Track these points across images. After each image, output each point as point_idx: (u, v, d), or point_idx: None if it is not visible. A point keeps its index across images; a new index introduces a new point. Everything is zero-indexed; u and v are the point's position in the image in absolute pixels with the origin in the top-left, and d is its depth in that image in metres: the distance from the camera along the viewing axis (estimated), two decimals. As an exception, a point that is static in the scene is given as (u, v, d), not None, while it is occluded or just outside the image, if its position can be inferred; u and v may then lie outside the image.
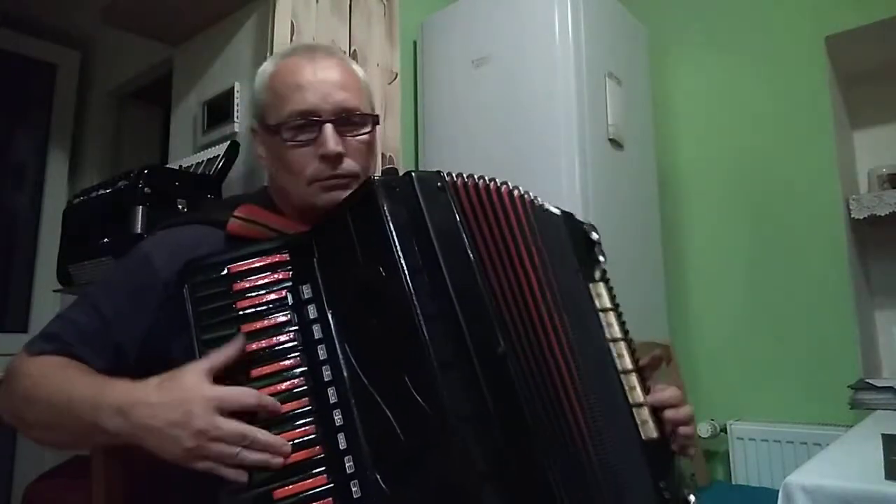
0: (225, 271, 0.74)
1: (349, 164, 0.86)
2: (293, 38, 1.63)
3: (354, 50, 1.81)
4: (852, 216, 2.07)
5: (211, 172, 1.65)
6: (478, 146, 1.97)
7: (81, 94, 2.70)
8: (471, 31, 2.04)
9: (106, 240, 1.52)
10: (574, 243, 0.87)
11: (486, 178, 0.80)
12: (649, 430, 0.79)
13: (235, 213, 0.86)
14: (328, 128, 0.84)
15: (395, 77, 1.94)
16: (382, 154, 1.85)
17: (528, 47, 1.90)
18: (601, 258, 0.89)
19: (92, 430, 0.71)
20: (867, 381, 1.82)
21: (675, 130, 2.45)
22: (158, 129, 2.67)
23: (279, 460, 0.66)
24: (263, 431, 0.66)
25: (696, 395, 2.20)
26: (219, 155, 1.68)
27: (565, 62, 1.83)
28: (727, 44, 2.36)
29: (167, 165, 1.91)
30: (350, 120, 0.86)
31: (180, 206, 1.52)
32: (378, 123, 0.90)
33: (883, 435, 1.06)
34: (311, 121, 0.84)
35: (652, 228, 2.18)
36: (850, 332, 2.02)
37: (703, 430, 2.10)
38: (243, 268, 0.75)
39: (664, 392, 0.83)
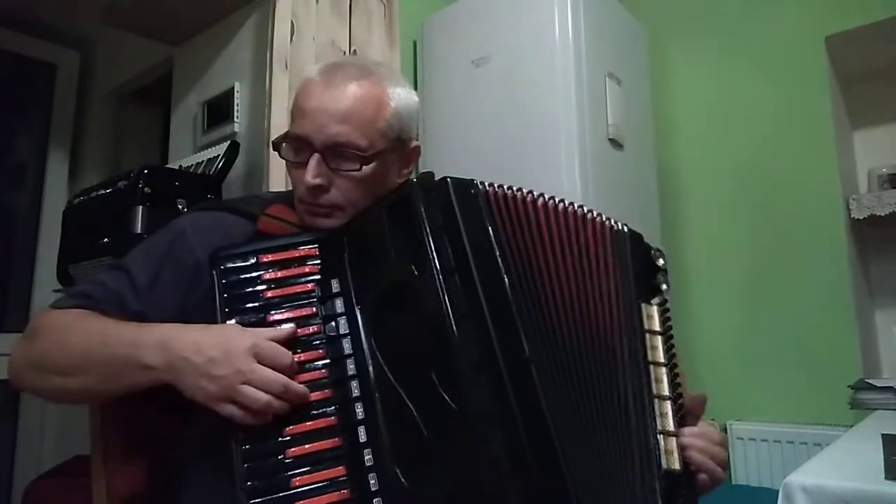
0: (254, 260, 0.76)
1: (332, 195, 0.84)
2: (293, 38, 1.63)
3: (354, 50, 1.81)
4: (852, 216, 2.07)
5: (211, 172, 1.65)
6: (478, 146, 1.97)
7: (81, 94, 2.69)
8: (471, 31, 2.04)
9: (106, 240, 1.52)
10: (635, 263, 0.85)
11: (523, 189, 0.78)
12: (673, 461, 0.75)
13: (267, 212, 0.88)
14: (314, 158, 0.83)
15: (395, 77, 1.94)
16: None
17: (528, 47, 1.90)
18: (664, 286, 0.86)
19: (128, 367, 0.73)
20: (867, 381, 1.82)
21: (675, 130, 2.45)
22: (158, 129, 2.67)
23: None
24: (294, 383, 0.70)
25: (696, 395, 2.19)
26: (219, 155, 1.68)
27: (565, 62, 1.83)
28: (727, 44, 2.36)
29: (167, 165, 1.91)
30: (340, 154, 0.84)
31: (180, 206, 1.52)
32: (370, 162, 0.84)
33: (883, 435, 1.06)
34: (303, 146, 0.85)
35: (652, 228, 2.17)
36: (850, 332, 2.01)
37: (703, 430, 2.10)
38: (273, 258, 0.77)
39: (698, 428, 0.81)
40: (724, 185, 2.32)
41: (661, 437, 0.76)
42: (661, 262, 0.88)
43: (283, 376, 0.69)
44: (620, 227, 0.85)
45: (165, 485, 0.85)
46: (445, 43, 2.11)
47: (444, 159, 2.06)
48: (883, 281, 2.25)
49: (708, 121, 2.38)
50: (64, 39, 2.66)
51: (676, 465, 0.75)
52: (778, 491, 1.02)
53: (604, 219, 0.84)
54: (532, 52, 1.89)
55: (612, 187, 1.91)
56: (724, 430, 2.12)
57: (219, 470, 0.68)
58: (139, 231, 1.44)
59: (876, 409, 1.73)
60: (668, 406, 0.78)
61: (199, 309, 0.79)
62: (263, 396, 0.68)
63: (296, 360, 0.72)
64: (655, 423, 0.76)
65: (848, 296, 2.03)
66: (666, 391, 0.79)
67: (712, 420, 2.14)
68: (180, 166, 1.79)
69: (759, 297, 2.21)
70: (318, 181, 0.83)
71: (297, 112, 0.86)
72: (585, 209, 0.83)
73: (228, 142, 1.70)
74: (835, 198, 2.10)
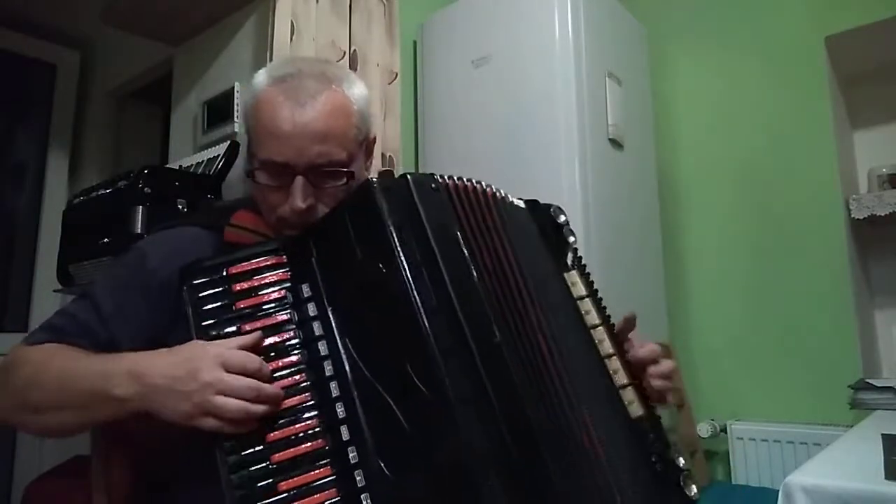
0: (224, 273, 0.76)
1: (319, 211, 0.84)
2: (293, 38, 1.63)
3: (354, 50, 1.81)
4: (852, 216, 2.07)
5: (211, 172, 1.66)
6: (478, 146, 1.97)
7: (81, 94, 2.69)
8: (471, 31, 2.04)
9: (106, 240, 1.53)
10: (542, 233, 0.89)
11: (473, 180, 0.82)
12: (636, 409, 0.82)
13: (232, 222, 0.88)
14: (299, 182, 0.83)
15: (395, 77, 1.94)
16: (383, 154, 1.85)
17: (528, 47, 1.90)
18: (571, 239, 0.90)
19: (101, 401, 0.73)
20: (867, 381, 1.82)
21: (675, 130, 2.45)
22: (158, 129, 2.67)
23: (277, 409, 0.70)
24: (266, 385, 0.70)
25: (696, 395, 2.20)
26: (219, 155, 1.68)
27: (565, 62, 1.83)
28: (727, 44, 2.36)
29: (167, 165, 1.91)
30: (324, 172, 0.84)
31: (180, 206, 1.52)
32: (353, 172, 0.85)
33: (883, 435, 1.07)
34: (283, 170, 0.83)
35: (652, 229, 2.18)
36: (850, 332, 2.02)
37: (703, 430, 2.10)
38: (242, 269, 0.77)
39: (642, 349, 0.87)
40: (724, 184, 2.32)
41: (621, 392, 0.82)
42: (561, 218, 0.91)
43: (253, 381, 0.69)
44: (520, 204, 0.89)
45: (164, 486, 0.85)
46: (445, 43, 2.11)
47: (443, 159, 2.06)
48: (883, 281, 2.25)
49: (708, 120, 2.38)
50: (64, 39, 2.66)
51: (640, 411, 0.82)
52: (778, 491, 1.02)
53: (513, 199, 0.87)
54: (532, 52, 1.89)
55: (612, 187, 1.91)
56: (724, 430, 2.13)
57: (210, 477, 0.68)
58: (139, 231, 1.44)
59: (876, 409, 1.73)
60: (616, 362, 0.83)
61: (173, 328, 0.79)
62: (238, 403, 0.67)
63: (274, 366, 0.72)
64: (614, 382, 0.82)
65: (848, 296, 2.03)
66: (610, 349, 0.84)
67: (712, 420, 2.16)
68: (180, 166, 1.80)
69: (759, 296, 2.21)
70: (309, 203, 0.83)
71: (264, 134, 0.84)
72: (498, 190, 0.85)
73: (228, 142, 1.70)
74: (835, 198, 2.10)
